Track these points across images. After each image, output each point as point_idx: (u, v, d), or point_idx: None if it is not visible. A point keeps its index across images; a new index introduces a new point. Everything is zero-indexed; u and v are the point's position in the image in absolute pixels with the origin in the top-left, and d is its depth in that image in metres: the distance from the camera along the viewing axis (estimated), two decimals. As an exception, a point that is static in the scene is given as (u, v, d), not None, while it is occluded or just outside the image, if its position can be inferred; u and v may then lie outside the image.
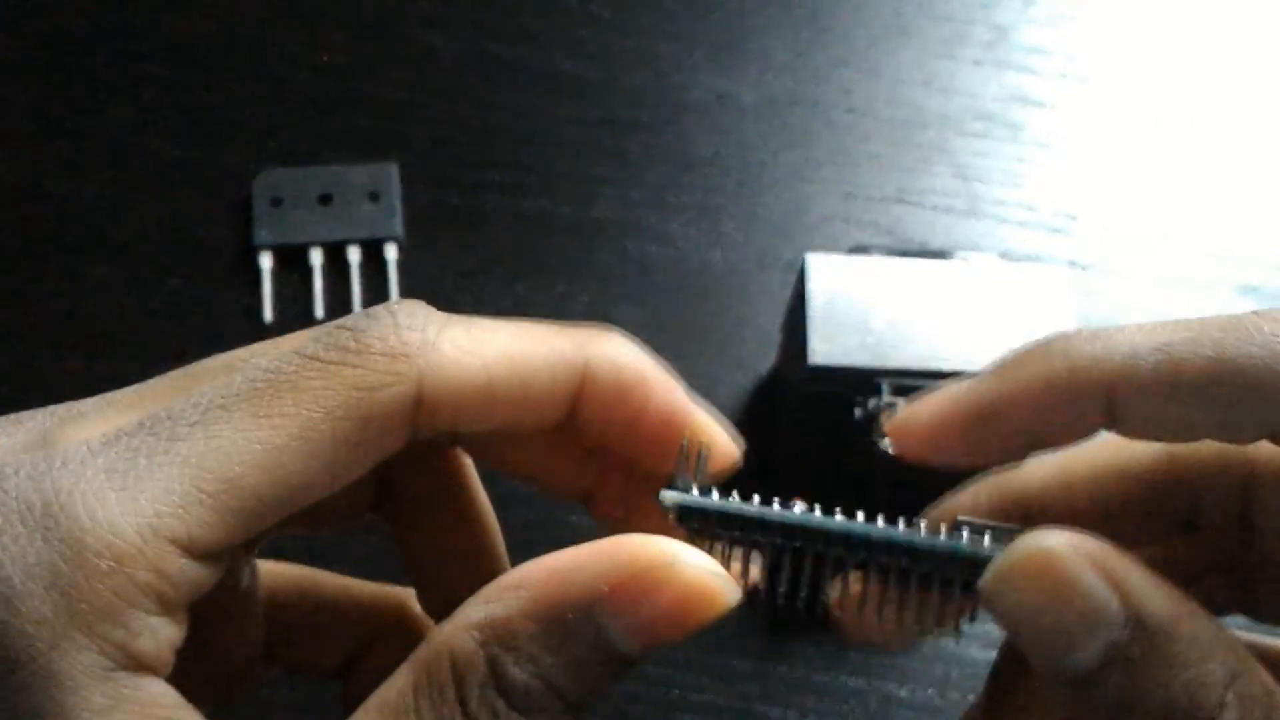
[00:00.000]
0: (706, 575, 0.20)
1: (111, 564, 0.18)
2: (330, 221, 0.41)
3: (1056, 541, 0.19)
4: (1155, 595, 0.19)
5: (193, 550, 0.18)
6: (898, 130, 0.45)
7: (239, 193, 0.42)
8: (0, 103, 0.44)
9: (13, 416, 0.20)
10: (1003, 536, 0.20)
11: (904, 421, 0.22)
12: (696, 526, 0.21)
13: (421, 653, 0.19)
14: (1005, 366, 0.22)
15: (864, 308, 0.34)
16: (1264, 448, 0.21)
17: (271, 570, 0.25)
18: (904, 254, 0.36)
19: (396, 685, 0.19)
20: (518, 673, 0.19)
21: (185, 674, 0.20)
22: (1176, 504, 0.23)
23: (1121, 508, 0.23)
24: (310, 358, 0.19)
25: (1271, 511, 0.22)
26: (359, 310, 0.21)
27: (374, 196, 0.41)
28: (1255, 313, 0.20)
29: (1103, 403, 0.21)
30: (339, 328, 0.20)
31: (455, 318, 0.21)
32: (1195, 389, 0.20)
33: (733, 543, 0.21)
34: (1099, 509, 0.22)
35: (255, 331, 0.40)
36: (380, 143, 0.43)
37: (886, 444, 0.34)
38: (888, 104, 0.45)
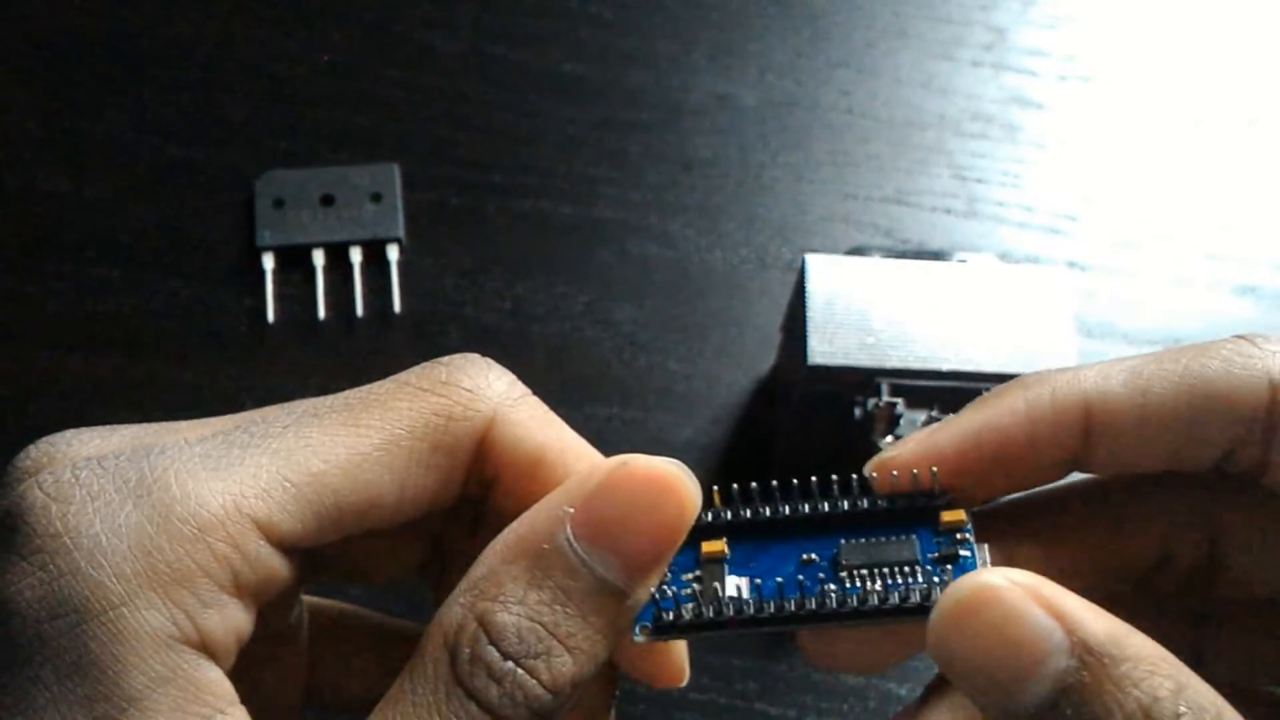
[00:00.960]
0: (660, 466, 0.20)
1: (194, 530, 0.18)
2: (332, 222, 0.41)
3: (995, 578, 0.19)
4: (1095, 619, 0.19)
5: (271, 535, 0.19)
6: (897, 131, 0.45)
7: (241, 194, 0.42)
8: (0, 103, 0.44)
9: (108, 427, 0.21)
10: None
11: (886, 460, 0.22)
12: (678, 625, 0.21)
13: (421, 642, 0.19)
14: (986, 400, 0.22)
15: (863, 308, 0.34)
16: (1229, 490, 0.21)
17: (314, 605, 0.25)
18: (903, 255, 0.36)
19: (398, 685, 0.19)
20: (505, 616, 0.19)
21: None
22: (1146, 545, 0.23)
23: (1094, 548, 0.23)
24: (403, 383, 0.21)
25: (1240, 551, 0.22)
26: (443, 358, 0.22)
27: (376, 197, 0.42)
28: (1223, 339, 0.22)
29: (1080, 427, 0.21)
30: (437, 363, 0.21)
31: (529, 394, 0.22)
32: (1162, 405, 0.21)
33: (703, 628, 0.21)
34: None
35: (257, 332, 0.40)
36: (381, 143, 0.43)
37: (885, 443, 0.34)
38: (887, 105, 0.45)
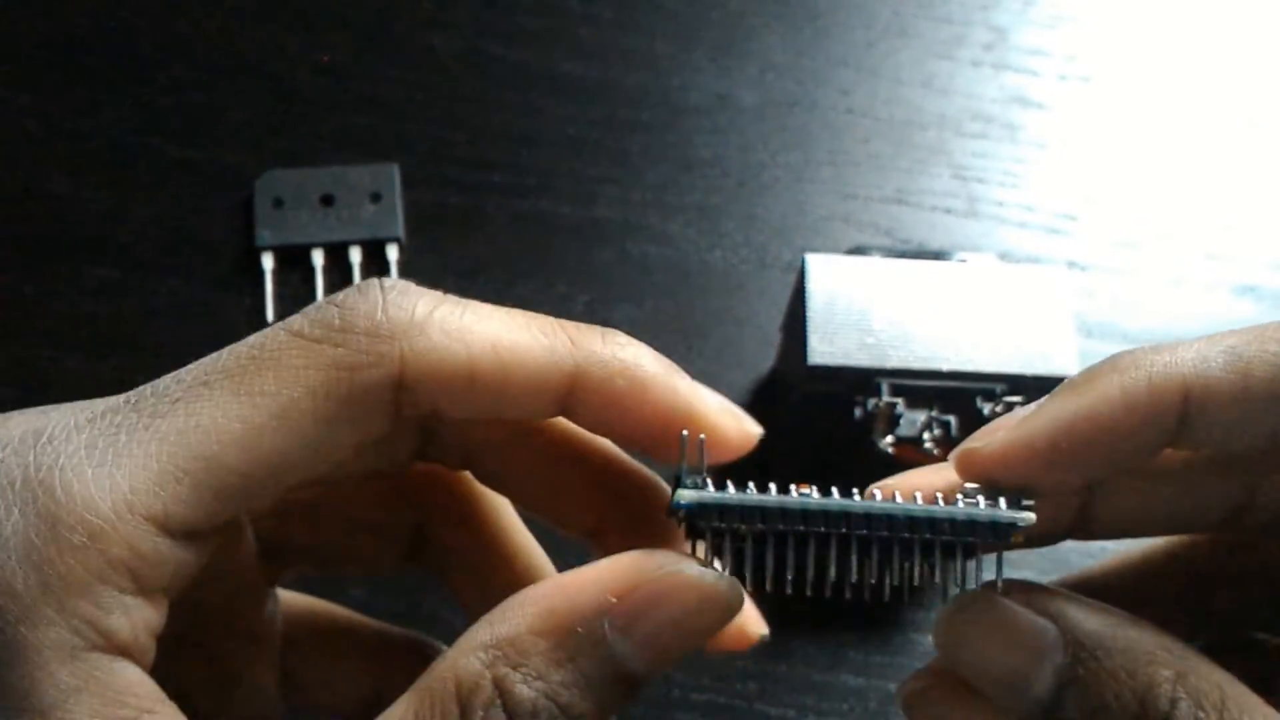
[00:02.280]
0: (711, 579, 0.20)
1: (84, 539, 0.18)
2: (332, 222, 0.41)
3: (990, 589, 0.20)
4: (1086, 616, 0.20)
5: (169, 528, 0.18)
6: (897, 131, 0.45)
7: (241, 193, 0.42)
8: (0, 103, 0.44)
9: (8, 412, 0.20)
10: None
11: (976, 450, 0.22)
12: (711, 524, 0.20)
13: (424, 679, 0.19)
14: (1077, 384, 0.21)
15: (863, 308, 0.34)
16: None
17: (301, 606, 0.25)
18: (903, 254, 0.36)
19: (396, 713, 0.19)
20: (525, 690, 0.18)
21: (208, 703, 0.19)
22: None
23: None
24: (295, 334, 0.19)
25: None
26: (354, 284, 0.20)
27: (375, 197, 0.42)
28: None
29: (1178, 411, 0.21)
30: (328, 303, 0.20)
31: (448, 299, 0.20)
32: (1264, 386, 0.20)
33: (742, 536, 0.20)
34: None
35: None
36: (381, 143, 0.43)
37: (886, 443, 0.34)
38: (887, 105, 0.45)
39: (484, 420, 0.21)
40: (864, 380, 0.33)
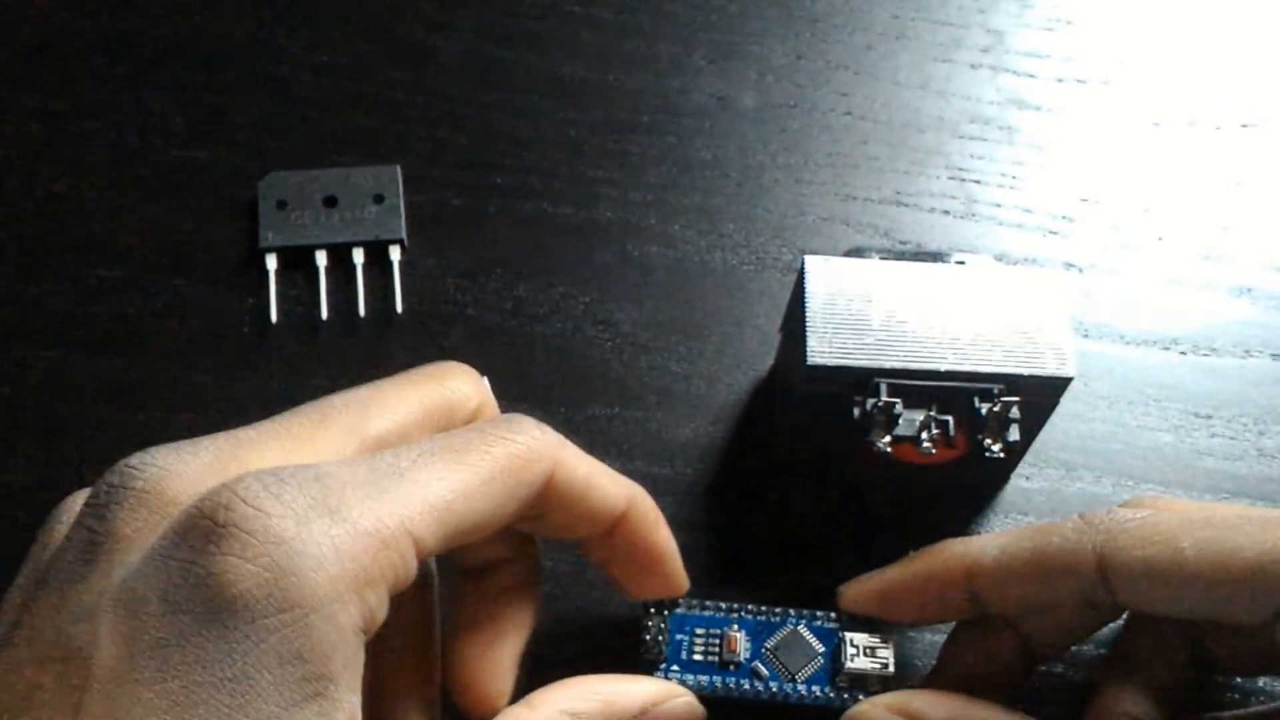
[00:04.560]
0: (695, 707, 0.31)
1: (379, 544, 0.23)
2: (335, 223, 0.41)
3: (862, 706, 0.31)
4: (934, 708, 0.29)
5: (420, 550, 0.24)
6: (895, 133, 0.45)
7: (244, 195, 0.42)
8: (1, 103, 0.44)
9: (188, 441, 0.24)
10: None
11: (845, 592, 0.33)
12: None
13: (517, 715, 0.28)
14: (904, 561, 0.32)
15: (862, 309, 0.34)
16: (1105, 554, 0.29)
17: None
18: (901, 256, 0.36)
19: None
20: None
21: None
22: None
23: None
24: (486, 433, 0.26)
25: (1130, 596, 0.29)
26: (505, 415, 0.28)
27: (378, 199, 0.42)
28: (1068, 519, 0.30)
29: (965, 586, 0.31)
30: (507, 418, 0.27)
31: (569, 443, 0.28)
32: (1020, 572, 0.30)
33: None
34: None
35: (259, 332, 0.41)
36: (382, 145, 0.44)
37: (884, 443, 0.34)
38: (885, 107, 0.46)
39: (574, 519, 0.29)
40: (862, 380, 0.33)
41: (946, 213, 0.44)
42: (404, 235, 0.41)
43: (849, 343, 0.33)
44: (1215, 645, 0.31)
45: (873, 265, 0.35)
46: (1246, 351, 0.42)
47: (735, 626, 0.32)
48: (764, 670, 0.32)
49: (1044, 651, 0.32)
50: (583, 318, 0.41)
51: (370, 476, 0.23)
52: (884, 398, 0.33)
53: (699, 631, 0.32)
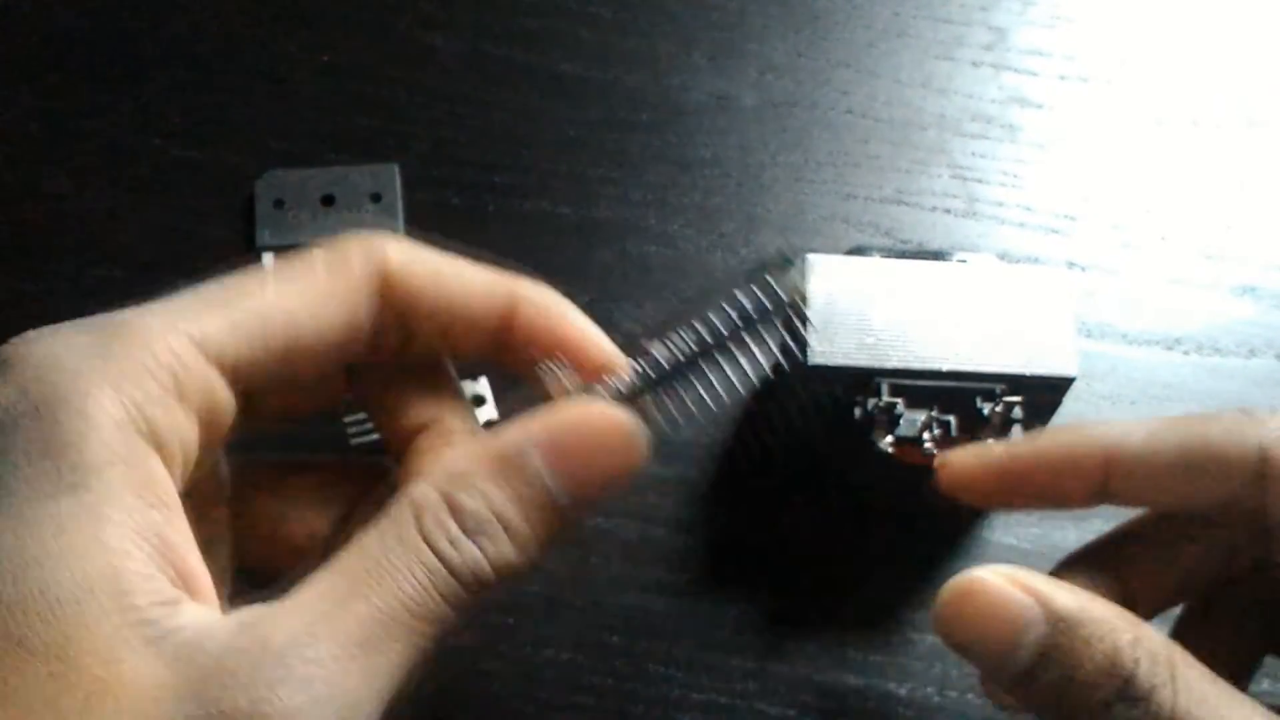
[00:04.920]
0: (615, 415, 0.25)
1: (141, 342, 0.22)
2: (333, 222, 0.41)
3: (982, 572, 0.25)
4: (1064, 594, 0.25)
5: (205, 347, 0.23)
6: (897, 131, 0.45)
7: (241, 194, 0.42)
8: (1, 102, 0.44)
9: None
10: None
11: (951, 462, 0.29)
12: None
13: (388, 508, 0.23)
14: (1032, 435, 0.29)
15: (863, 308, 0.34)
16: (1270, 453, 0.26)
17: (245, 463, 0.28)
18: (903, 255, 0.36)
19: (367, 535, 0.23)
20: (467, 500, 0.23)
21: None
22: (1203, 554, 0.29)
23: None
24: (312, 254, 0.25)
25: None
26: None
27: (376, 198, 0.42)
28: (1228, 410, 0.27)
29: (1101, 468, 0.27)
30: (337, 247, 0.26)
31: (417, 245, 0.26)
32: (1170, 458, 0.27)
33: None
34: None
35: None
36: (381, 144, 0.43)
37: (885, 443, 0.34)
38: (887, 105, 0.46)
39: (448, 326, 0.26)
40: (864, 380, 0.33)
41: (948, 211, 0.44)
42: (402, 234, 0.41)
43: (850, 342, 0.33)
44: None
45: (874, 264, 0.35)
46: (1250, 351, 0.42)
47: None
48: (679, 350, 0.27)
49: (1148, 603, 0.29)
50: (582, 317, 0.41)
51: (166, 305, 0.24)
52: (885, 398, 0.33)
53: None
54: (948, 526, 0.38)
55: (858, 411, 0.33)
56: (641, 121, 0.45)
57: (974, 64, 0.47)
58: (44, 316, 0.40)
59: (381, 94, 0.45)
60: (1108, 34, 0.48)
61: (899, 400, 0.33)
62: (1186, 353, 0.41)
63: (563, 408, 0.24)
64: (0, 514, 0.20)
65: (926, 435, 0.33)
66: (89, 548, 0.20)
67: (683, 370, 0.27)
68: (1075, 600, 0.25)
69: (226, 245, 0.42)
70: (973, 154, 0.45)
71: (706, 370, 0.27)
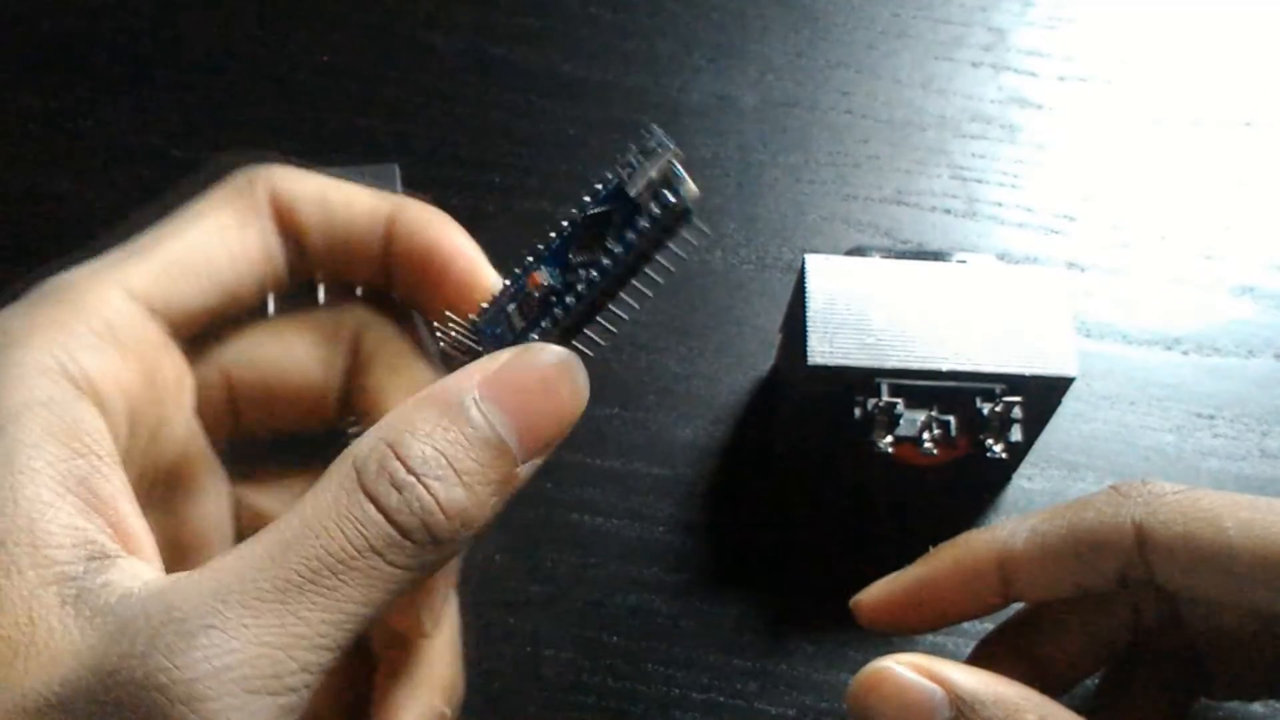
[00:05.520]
0: (561, 356, 0.23)
1: (68, 293, 0.23)
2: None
3: (889, 661, 0.26)
4: (967, 678, 0.26)
5: (135, 294, 0.23)
6: (896, 132, 0.45)
7: (241, 193, 0.42)
8: (1, 103, 0.44)
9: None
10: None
11: (863, 600, 0.30)
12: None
13: (330, 468, 0.22)
14: (926, 558, 0.30)
15: (863, 308, 0.34)
16: (1145, 526, 0.27)
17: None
18: (902, 255, 0.36)
19: (305, 495, 0.21)
20: (413, 442, 0.21)
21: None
22: (1111, 622, 0.30)
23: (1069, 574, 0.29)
24: (218, 192, 0.26)
25: (1170, 574, 0.27)
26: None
27: (376, 197, 0.42)
28: (1100, 491, 0.28)
29: (998, 572, 0.28)
30: (232, 182, 0.26)
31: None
32: (1055, 551, 0.28)
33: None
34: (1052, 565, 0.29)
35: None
36: (381, 144, 0.44)
37: (885, 443, 0.34)
38: (887, 106, 0.46)
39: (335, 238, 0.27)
40: (863, 380, 0.33)
41: (948, 212, 0.44)
42: (403, 235, 0.41)
43: (850, 343, 0.33)
44: (1216, 664, 0.30)
45: (874, 265, 0.35)
46: (1249, 351, 0.42)
47: (531, 268, 0.26)
48: (579, 267, 0.25)
49: (1068, 673, 0.31)
50: (582, 317, 0.41)
51: (93, 261, 0.24)
52: (885, 398, 0.33)
53: (511, 310, 0.26)
54: (947, 528, 0.38)
55: (858, 411, 0.33)
56: (642, 122, 0.45)
57: (974, 65, 0.47)
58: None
59: (382, 94, 0.45)
60: (1107, 35, 0.48)
61: (899, 400, 0.33)
62: (1186, 352, 0.42)
63: (501, 352, 0.23)
64: None
65: (926, 435, 0.33)
66: (2, 499, 0.19)
67: (562, 295, 0.25)
68: (979, 682, 0.26)
69: (227, 245, 0.42)
70: (972, 154, 0.45)
71: (592, 286, 0.24)
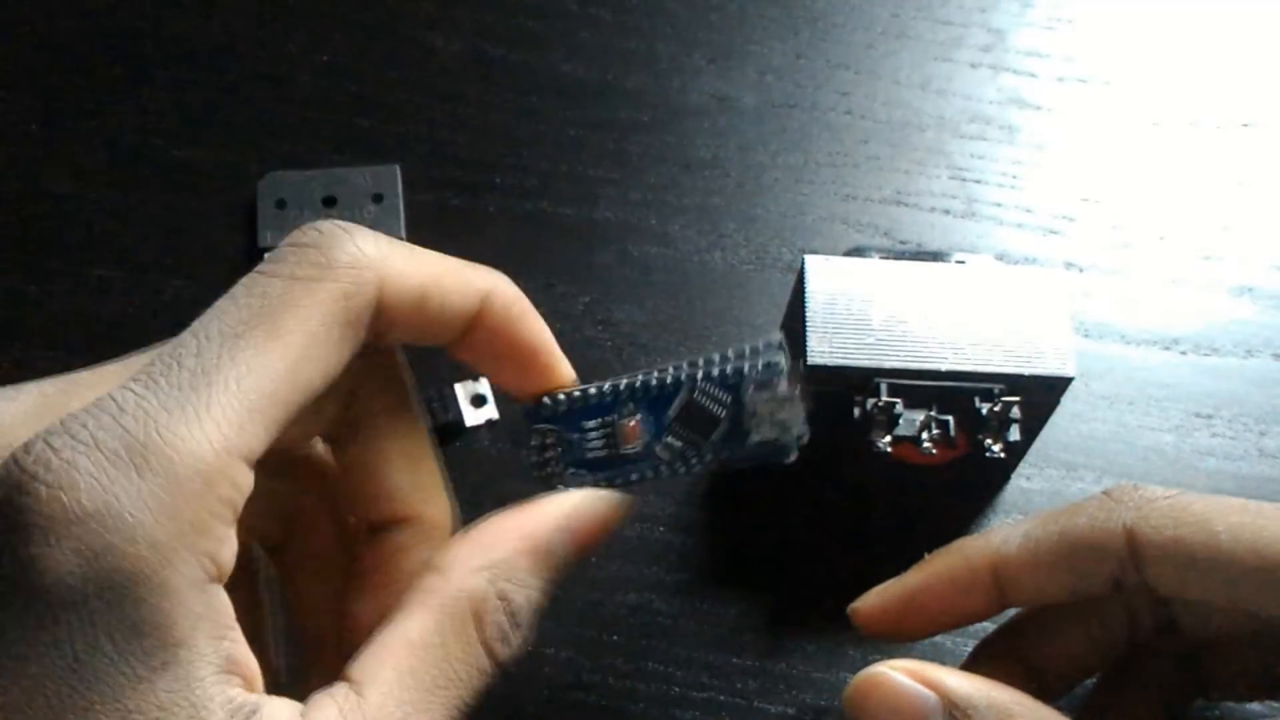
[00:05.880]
0: (615, 501, 0.26)
1: (202, 485, 0.21)
2: (334, 223, 0.41)
3: (883, 667, 0.27)
4: (960, 682, 0.26)
5: (251, 460, 0.21)
6: (896, 132, 0.45)
7: (243, 195, 0.42)
8: (2, 103, 0.44)
9: (11, 386, 0.23)
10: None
11: (860, 607, 0.31)
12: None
13: (435, 597, 0.24)
14: (921, 565, 0.30)
15: (862, 308, 0.34)
16: (1136, 531, 0.27)
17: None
18: (901, 255, 0.36)
19: (418, 625, 0.23)
20: (516, 594, 0.24)
21: None
22: (1110, 627, 0.31)
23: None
24: (290, 278, 0.23)
25: (1162, 578, 0.27)
26: (305, 228, 0.24)
27: (377, 198, 0.42)
28: (1092, 497, 0.28)
29: (991, 578, 0.29)
30: (303, 245, 0.23)
31: (393, 240, 0.24)
32: (1047, 557, 0.28)
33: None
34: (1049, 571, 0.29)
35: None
36: (382, 145, 0.44)
37: (884, 443, 0.34)
38: (886, 106, 0.46)
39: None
40: (863, 380, 0.33)
41: (947, 212, 0.44)
42: (403, 235, 0.41)
43: (849, 343, 0.33)
44: (1212, 667, 0.31)
45: (873, 265, 0.35)
46: (1248, 351, 0.42)
47: (630, 409, 0.27)
48: (674, 444, 0.27)
49: (1065, 677, 0.31)
50: (582, 318, 0.41)
51: (174, 397, 0.21)
52: (884, 398, 0.33)
53: (590, 426, 0.27)
54: (947, 527, 0.38)
55: (857, 411, 0.33)
56: (642, 122, 0.45)
57: (973, 65, 0.47)
58: (44, 316, 0.41)
59: (382, 95, 0.45)
60: (1106, 36, 0.48)
61: (898, 400, 0.33)
62: (1184, 353, 0.42)
63: (578, 495, 0.26)
64: (103, 702, 0.20)
65: (925, 435, 0.33)
66: (189, 718, 0.20)
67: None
68: (972, 687, 0.26)
69: (228, 246, 0.42)
70: (971, 155, 0.45)
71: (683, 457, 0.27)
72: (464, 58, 0.46)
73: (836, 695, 0.36)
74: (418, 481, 0.27)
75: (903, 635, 0.31)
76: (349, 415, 0.26)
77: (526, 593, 0.24)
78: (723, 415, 0.27)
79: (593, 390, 0.27)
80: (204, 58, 0.45)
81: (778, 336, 0.26)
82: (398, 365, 0.27)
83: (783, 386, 0.26)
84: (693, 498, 0.38)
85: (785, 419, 0.26)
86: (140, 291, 0.41)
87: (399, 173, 0.42)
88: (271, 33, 0.46)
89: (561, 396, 0.27)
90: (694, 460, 0.27)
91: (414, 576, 0.25)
